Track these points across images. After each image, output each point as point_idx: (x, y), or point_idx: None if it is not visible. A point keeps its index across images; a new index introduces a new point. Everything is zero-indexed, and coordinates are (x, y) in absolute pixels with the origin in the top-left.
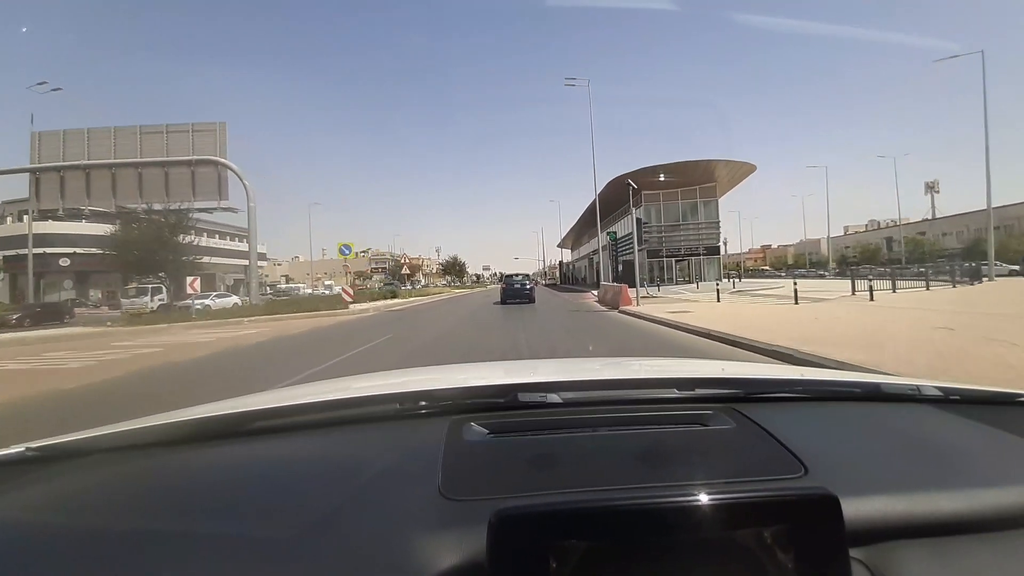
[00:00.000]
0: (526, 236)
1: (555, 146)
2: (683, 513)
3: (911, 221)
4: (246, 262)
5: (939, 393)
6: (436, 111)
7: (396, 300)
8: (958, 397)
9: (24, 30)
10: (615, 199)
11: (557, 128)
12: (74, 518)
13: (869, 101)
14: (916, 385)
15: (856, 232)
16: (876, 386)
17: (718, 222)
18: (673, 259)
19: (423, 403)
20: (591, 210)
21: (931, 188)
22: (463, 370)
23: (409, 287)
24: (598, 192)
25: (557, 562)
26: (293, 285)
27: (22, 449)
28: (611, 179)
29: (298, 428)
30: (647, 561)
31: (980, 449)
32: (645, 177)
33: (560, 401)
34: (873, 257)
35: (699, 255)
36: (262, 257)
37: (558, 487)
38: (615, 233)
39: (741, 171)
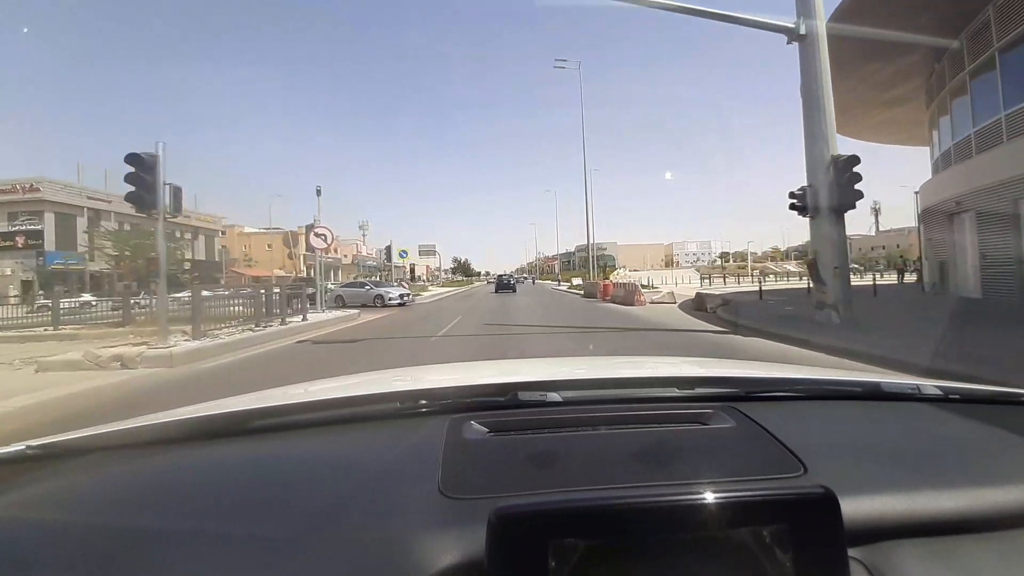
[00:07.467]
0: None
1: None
2: (682, 512)
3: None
4: None
5: (939, 392)
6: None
7: None
8: (958, 396)
9: (25, 31)
10: None
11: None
12: (74, 517)
13: None
14: (916, 384)
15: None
16: (876, 385)
17: None
18: None
19: (423, 402)
20: None
21: (875, 210)
22: (463, 369)
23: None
24: None
25: (556, 561)
26: None
27: (22, 447)
28: None
29: (298, 427)
30: (646, 560)
31: (980, 448)
32: None
33: (560, 400)
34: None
35: None
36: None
37: (558, 486)
38: None
39: None
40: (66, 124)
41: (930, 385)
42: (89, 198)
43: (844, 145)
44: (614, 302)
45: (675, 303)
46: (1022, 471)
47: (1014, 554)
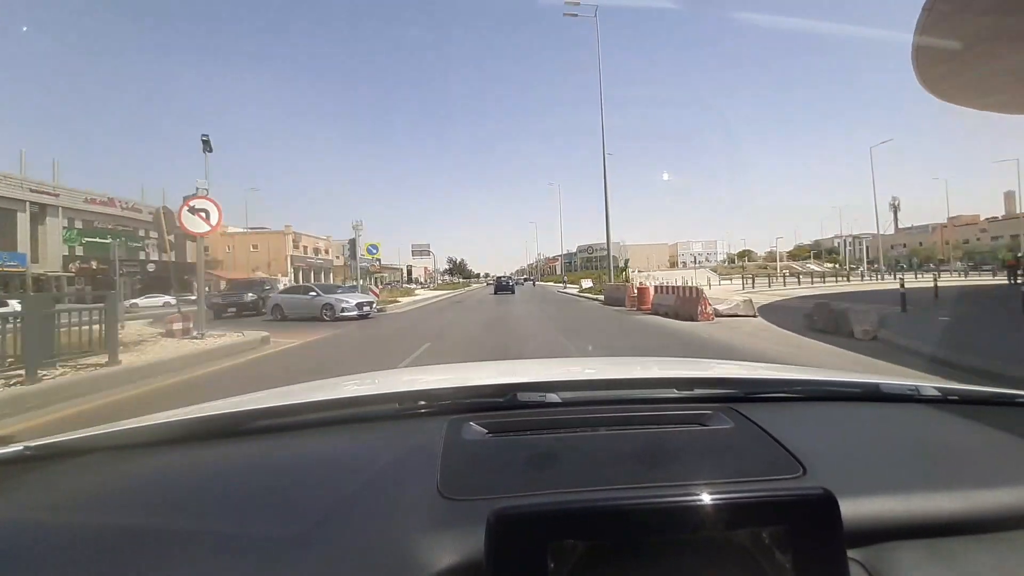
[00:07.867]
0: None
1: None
2: (682, 513)
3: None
4: None
5: (937, 394)
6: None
7: None
8: (956, 398)
9: (24, 29)
10: None
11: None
12: (73, 517)
13: None
14: (915, 386)
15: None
16: (875, 386)
17: None
18: None
19: (422, 403)
20: None
21: (893, 206)
22: (462, 369)
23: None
24: None
25: (555, 562)
26: None
27: (20, 448)
28: None
29: (298, 428)
30: (645, 561)
31: (978, 449)
32: None
33: (559, 401)
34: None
35: None
36: None
37: (557, 487)
38: None
39: None
40: (12, 112)
41: (929, 386)
42: (32, 191)
43: (929, 104)
44: (657, 314)
45: (755, 315)
46: (1020, 472)
47: (1012, 555)
